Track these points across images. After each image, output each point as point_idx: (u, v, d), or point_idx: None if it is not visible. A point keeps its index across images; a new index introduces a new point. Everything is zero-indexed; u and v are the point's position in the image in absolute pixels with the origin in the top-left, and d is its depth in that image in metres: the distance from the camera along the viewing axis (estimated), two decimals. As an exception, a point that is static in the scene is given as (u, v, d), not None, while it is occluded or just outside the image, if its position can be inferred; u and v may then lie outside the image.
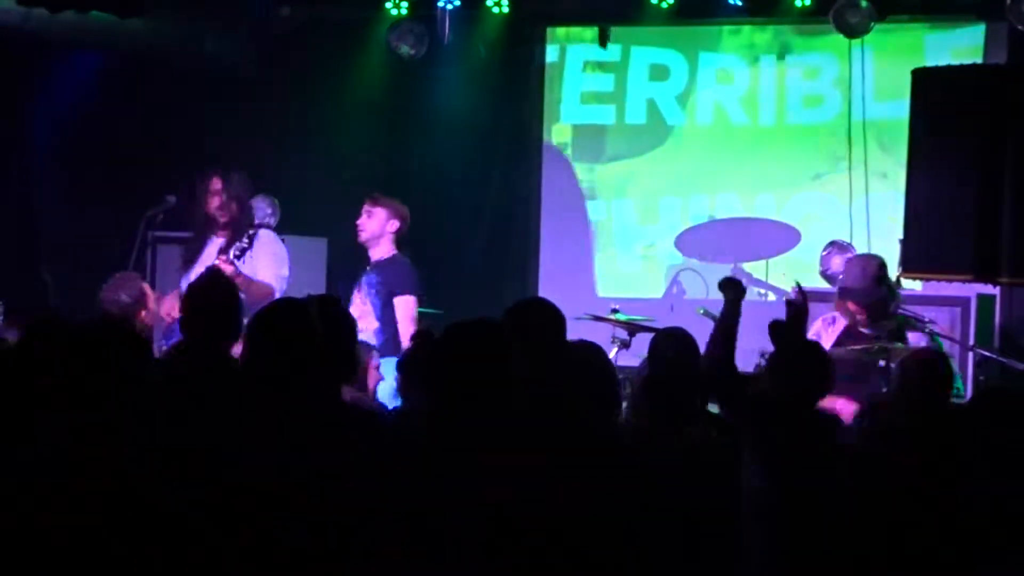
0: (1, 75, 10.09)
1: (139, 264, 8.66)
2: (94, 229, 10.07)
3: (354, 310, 8.19)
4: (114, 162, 10.68)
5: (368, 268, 8.62)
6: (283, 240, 9.08)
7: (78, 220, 10.54)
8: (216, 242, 8.38)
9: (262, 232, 8.50)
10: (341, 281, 8.97)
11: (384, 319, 8.46)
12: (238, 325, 5.24)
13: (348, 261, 11.32)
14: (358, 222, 8.58)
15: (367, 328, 8.27)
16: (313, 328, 4.33)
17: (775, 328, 6.10)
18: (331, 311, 4.77)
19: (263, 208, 11.29)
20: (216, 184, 8.40)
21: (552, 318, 5.43)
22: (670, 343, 6.42)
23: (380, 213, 8.55)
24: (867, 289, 7.87)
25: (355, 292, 8.58)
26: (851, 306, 7.89)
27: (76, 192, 10.66)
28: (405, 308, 8.44)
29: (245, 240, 8.12)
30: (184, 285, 8.13)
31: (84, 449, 3.60)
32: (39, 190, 10.56)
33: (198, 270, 8.14)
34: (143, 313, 7.49)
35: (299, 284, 10.79)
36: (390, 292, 8.50)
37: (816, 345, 6.20)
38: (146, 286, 7.64)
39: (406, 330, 8.25)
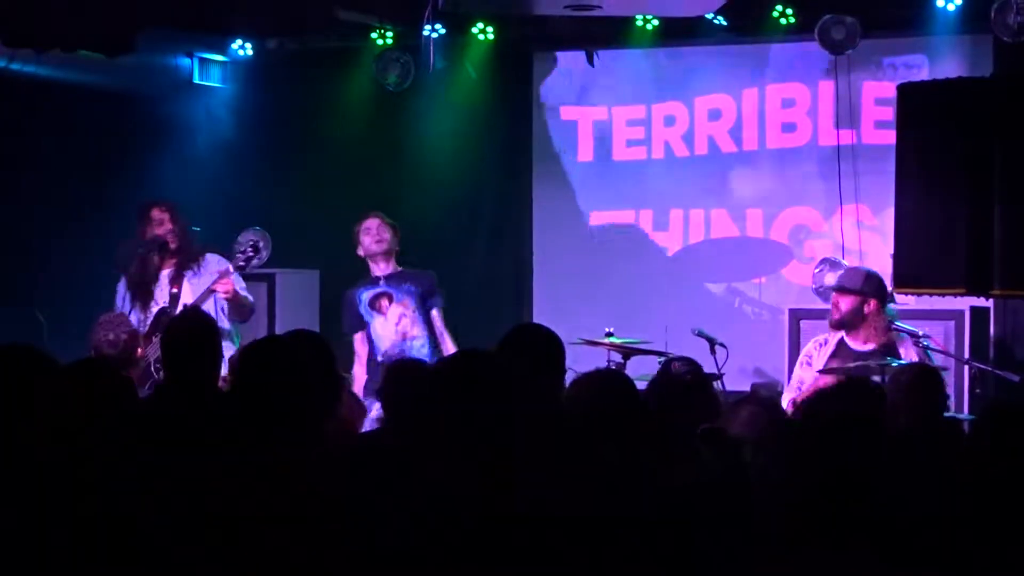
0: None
1: (135, 296, 8.66)
2: (84, 264, 10.05)
3: (396, 320, 8.60)
4: (103, 199, 10.67)
5: (387, 279, 8.85)
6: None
7: (68, 255, 10.53)
8: (165, 271, 8.43)
9: (209, 256, 8.58)
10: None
11: (427, 332, 8.71)
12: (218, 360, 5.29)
13: (340, 294, 11.35)
14: (385, 236, 8.85)
15: (419, 336, 8.67)
16: (304, 364, 4.34)
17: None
18: (320, 347, 4.77)
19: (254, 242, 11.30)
20: (160, 213, 8.47)
21: (551, 343, 5.41)
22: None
23: (392, 230, 8.91)
24: (857, 289, 8.05)
25: (386, 302, 8.71)
26: (843, 302, 8.04)
27: (65, 228, 10.65)
28: (442, 320, 8.84)
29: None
30: (137, 320, 8.19)
31: (66, 482, 3.63)
32: (28, 226, 10.55)
33: (158, 301, 8.32)
34: (139, 350, 7.57)
35: (293, 317, 10.85)
36: (428, 304, 8.74)
37: None
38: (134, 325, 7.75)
39: (448, 343, 8.69)
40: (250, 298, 8.62)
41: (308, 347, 4.58)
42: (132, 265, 8.42)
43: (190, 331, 5.29)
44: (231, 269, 8.30)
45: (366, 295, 8.80)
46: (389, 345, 8.64)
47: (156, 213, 8.51)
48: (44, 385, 3.87)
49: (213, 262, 8.51)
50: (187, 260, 8.48)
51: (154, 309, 8.33)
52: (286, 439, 3.98)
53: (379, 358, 8.57)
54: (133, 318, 8.19)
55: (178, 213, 8.61)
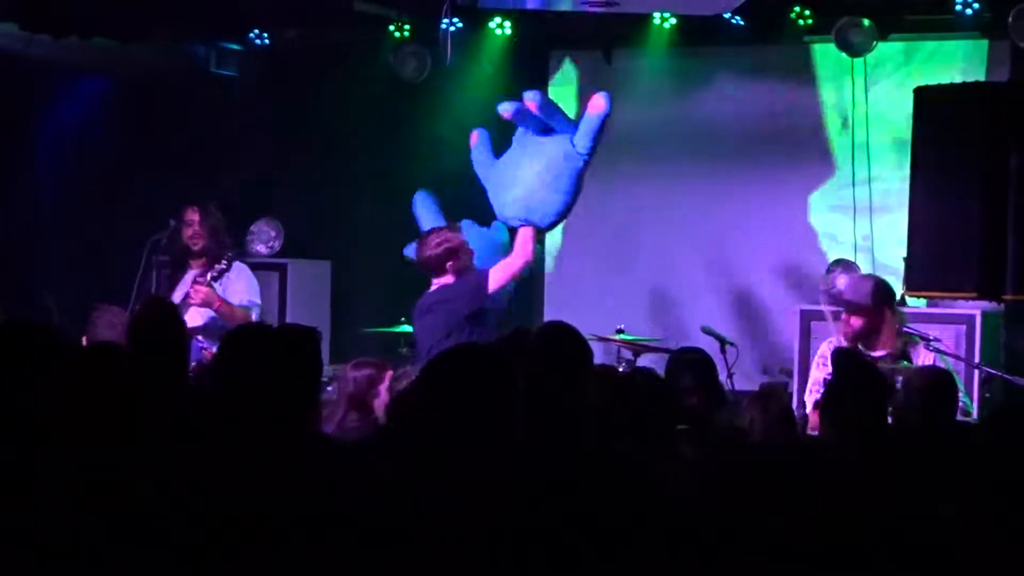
0: (4, 99, 10.11)
1: (143, 288, 8.68)
2: (98, 253, 10.08)
3: None
4: (117, 186, 10.70)
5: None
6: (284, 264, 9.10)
7: (81, 244, 10.55)
8: (192, 272, 8.42)
9: (236, 263, 8.48)
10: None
11: None
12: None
13: (352, 284, 11.38)
14: None
15: None
16: (287, 357, 4.23)
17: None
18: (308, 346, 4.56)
19: (267, 232, 11.32)
20: (192, 215, 8.45)
21: (578, 342, 5.38)
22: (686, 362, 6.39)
23: None
24: (867, 305, 7.87)
25: None
26: (855, 320, 7.88)
27: (79, 216, 10.67)
28: None
29: (224, 263, 8.15)
30: None
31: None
32: (42, 214, 10.58)
33: (177, 299, 8.23)
34: None
35: (305, 307, 10.86)
36: None
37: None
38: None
39: None
40: (248, 308, 8.33)
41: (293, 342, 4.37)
42: (165, 257, 8.49)
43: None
44: (199, 279, 8.09)
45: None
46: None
47: (188, 214, 8.49)
48: (60, 366, 3.88)
49: (239, 269, 8.45)
50: (213, 263, 8.38)
51: None
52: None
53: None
54: None
55: (210, 214, 8.53)
